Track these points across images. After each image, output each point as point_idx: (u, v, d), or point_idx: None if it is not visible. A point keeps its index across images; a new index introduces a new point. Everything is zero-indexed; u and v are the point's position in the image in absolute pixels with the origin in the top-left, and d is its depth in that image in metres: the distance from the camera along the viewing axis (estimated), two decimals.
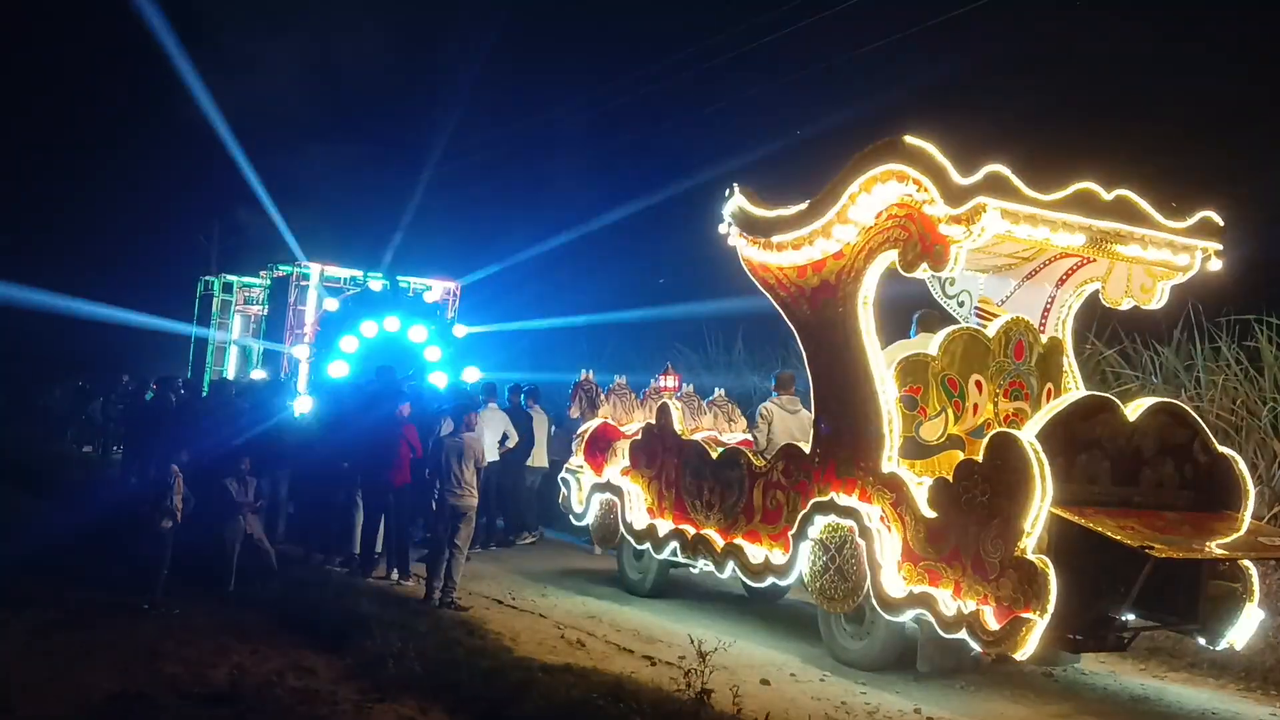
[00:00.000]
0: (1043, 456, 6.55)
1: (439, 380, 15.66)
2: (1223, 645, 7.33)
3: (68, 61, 33.44)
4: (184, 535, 9.98)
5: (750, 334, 17.32)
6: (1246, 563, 7.20)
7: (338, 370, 15.24)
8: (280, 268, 17.14)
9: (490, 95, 27.62)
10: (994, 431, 7.02)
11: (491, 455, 11.54)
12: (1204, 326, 11.13)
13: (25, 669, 7.18)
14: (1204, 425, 7.59)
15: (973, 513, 6.83)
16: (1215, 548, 6.72)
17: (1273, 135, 13.15)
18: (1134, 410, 7.21)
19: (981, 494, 6.78)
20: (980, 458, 6.87)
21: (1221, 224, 7.87)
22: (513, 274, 22.56)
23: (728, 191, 8.67)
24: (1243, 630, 7.26)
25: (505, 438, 12.25)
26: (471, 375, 16.72)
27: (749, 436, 10.78)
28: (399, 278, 17.16)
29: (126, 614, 8.79)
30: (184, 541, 10.24)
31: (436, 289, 17.63)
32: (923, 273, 7.39)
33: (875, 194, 7.41)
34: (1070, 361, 8.61)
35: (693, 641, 6.68)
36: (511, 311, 21.30)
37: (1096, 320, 11.17)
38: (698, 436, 10.38)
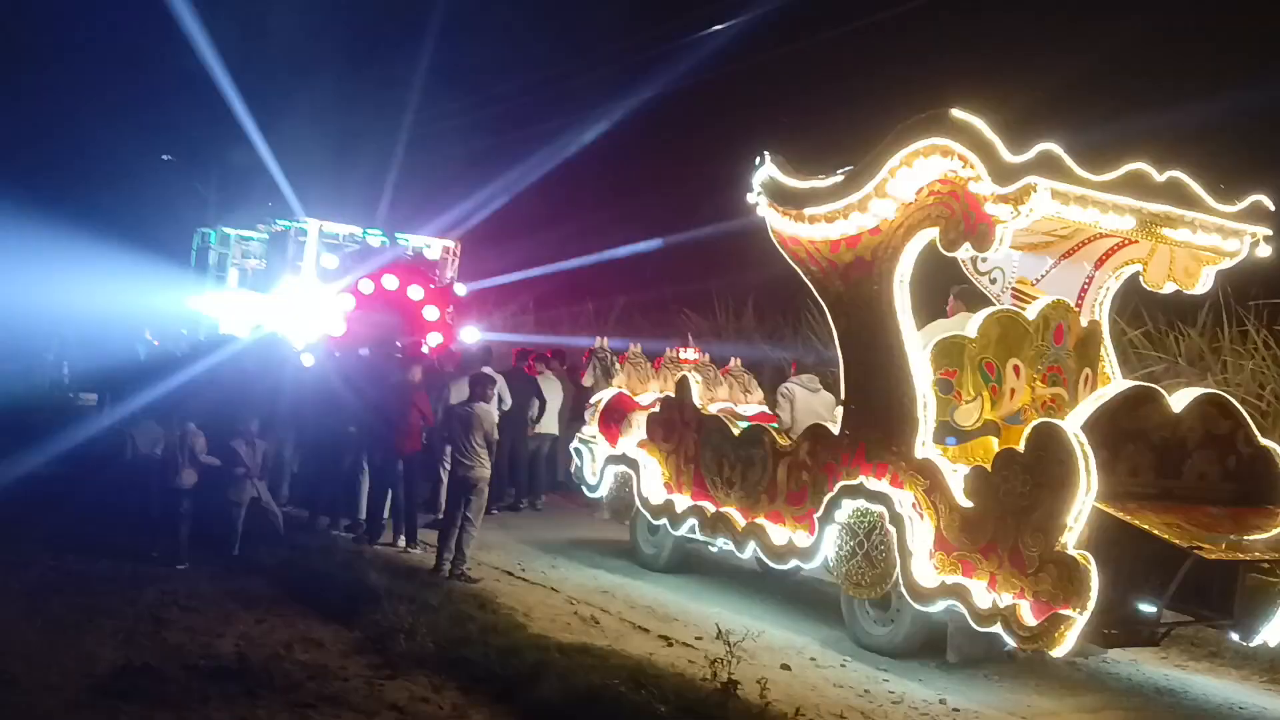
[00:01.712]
0: (1088, 449, 6.32)
1: (438, 340, 15.45)
2: (1257, 641, 7.16)
3: (66, 11, 32.76)
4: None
5: (761, 301, 17.06)
6: None
7: (335, 329, 15.00)
8: (278, 222, 16.82)
9: (494, 45, 27.12)
10: (1037, 421, 6.78)
11: None
12: (1232, 309, 10.90)
13: (26, 637, 6.98)
14: (1247, 417, 7.37)
15: (1012, 504, 6.61)
16: (1260, 546, 6.53)
17: None
18: (1179, 401, 6.99)
19: (1022, 485, 6.55)
20: (1022, 447, 6.64)
21: (1272, 208, 7.61)
22: (515, 230, 22.25)
23: (758, 159, 8.35)
24: (1278, 627, 7.08)
25: (500, 401, 12.09)
26: (471, 335, 16.50)
27: (765, 408, 10.59)
28: (398, 235, 16.88)
29: (129, 578, 8.59)
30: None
31: (435, 247, 17.35)
32: (964, 253, 7.13)
33: (917, 169, 7.11)
34: (1108, 347, 8.37)
35: (719, 632, 6.49)
36: (514, 265, 21.03)
37: (1120, 299, 10.94)
38: (714, 408, 10.17)
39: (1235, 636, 7.32)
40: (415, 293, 15.80)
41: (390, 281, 15.63)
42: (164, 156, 28.99)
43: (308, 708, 6.14)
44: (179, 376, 12.78)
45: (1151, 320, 11.56)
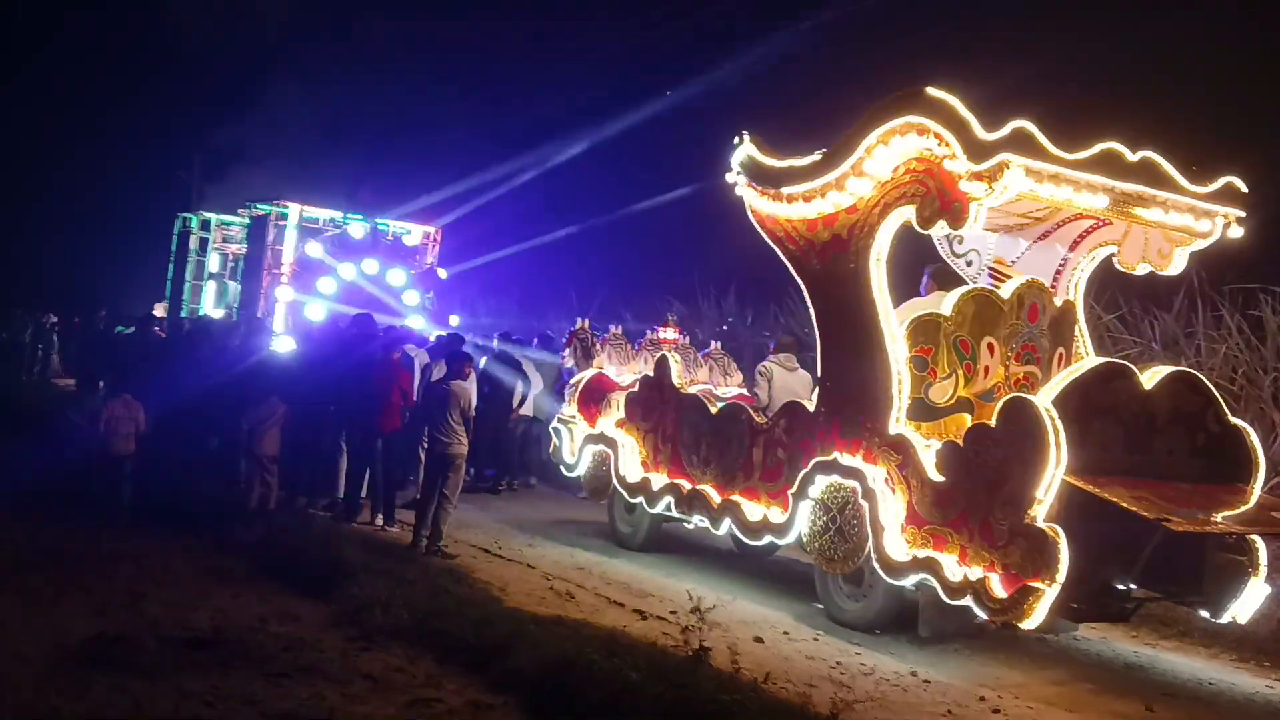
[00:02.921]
0: (1058, 423, 6.39)
1: (419, 325, 15.46)
2: (1226, 619, 7.25)
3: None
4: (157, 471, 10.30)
5: (743, 288, 17.09)
6: (1255, 536, 7.09)
7: (315, 313, 15.00)
8: (259, 207, 16.79)
9: (479, 27, 27.03)
10: (1009, 396, 6.85)
11: None
12: (1206, 293, 10.99)
13: None
14: (1217, 395, 7.45)
15: (983, 478, 6.67)
16: (1227, 521, 6.61)
17: None
18: (1150, 378, 7.06)
19: (993, 459, 6.62)
20: (994, 422, 6.70)
21: (1245, 190, 7.69)
22: (495, 214, 22.21)
23: (736, 139, 8.37)
24: (1247, 604, 7.16)
25: (527, 382, 12.28)
26: (453, 321, 16.52)
27: (744, 391, 10.64)
28: (379, 220, 16.87)
29: (104, 555, 8.57)
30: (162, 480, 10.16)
31: (416, 233, 17.35)
32: (939, 230, 7.18)
33: (893, 147, 7.15)
34: (1082, 327, 8.44)
35: (690, 597, 6.53)
36: (495, 250, 21.00)
37: (1096, 283, 11.02)
38: (693, 390, 10.21)
39: (1204, 613, 7.42)
40: (396, 277, 15.80)
41: (371, 267, 15.62)
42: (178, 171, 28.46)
43: (282, 677, 6.15)
44: (155, 361, 12.81)
45: (1126, 304, 11.63)
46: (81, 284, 25.71)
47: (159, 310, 18.61)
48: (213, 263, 18.51)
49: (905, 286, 8.38)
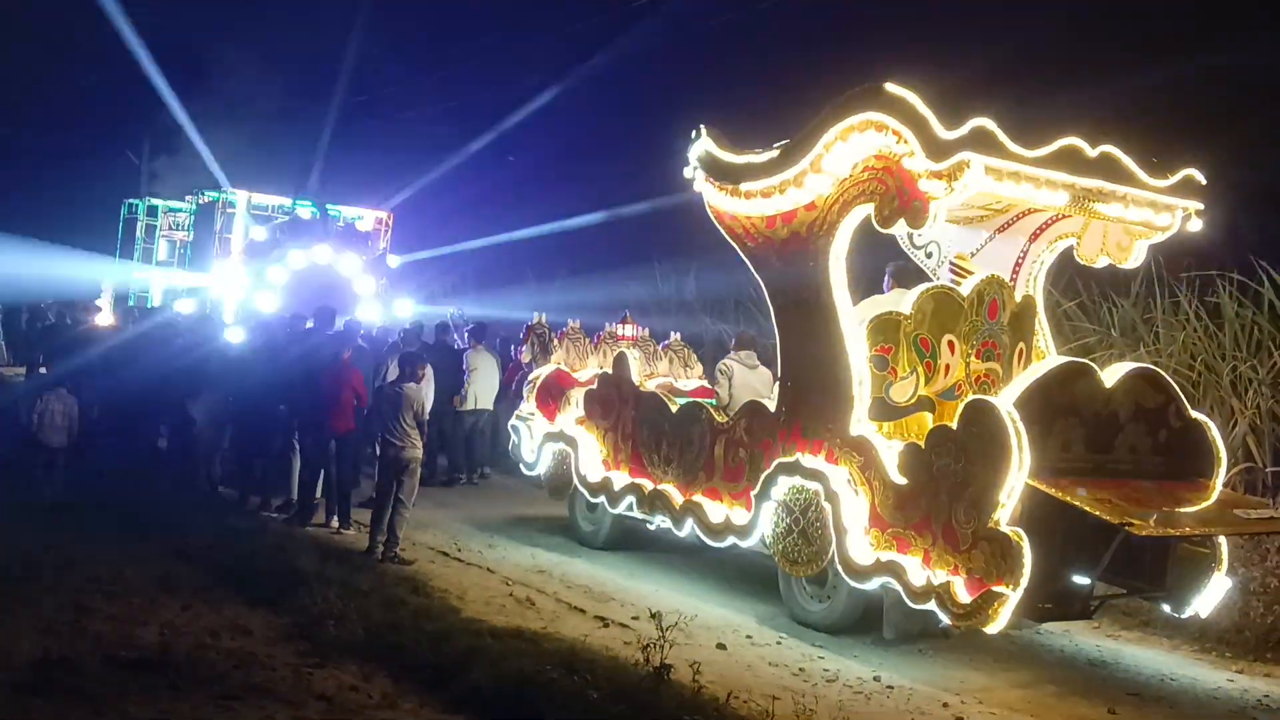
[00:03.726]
0: (1020, 426, 6.31)
1: (371, 314, 15.21)
2: (1188, 613, 7.26)
3: None
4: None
5: (704, 274, 16.95)
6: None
7: (265, 303, 14.68)
8: (206, 193, 16.41)
9: (433, 10, 26.55)
10: (970, 398, 6.77)
11: None
12: (1165, 280, 10.98)
13: None
14: (1179, 391, 7.42)
15: (945, 481, 6.59)
16: (1189, 521, 6.59)
17: (1250, 87, 12.97)
18: (1111, 375, 7.01)
19: (955, 462, 6.54)
20: (955, 424, 6.62)
21: (1204, 182, 7.64)
22: (450, 199, 21.88)
23: (694, 133, 8.20)
24: (1209, 598, 7.18)
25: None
26: (405, 309, 16.28)
27: (705, 383, 10.52)
28: (329, 206, 16.54)
29: (51, 565, 8.33)
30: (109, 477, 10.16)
31: (368, 218, 17.05)
32: (899, 229, 7.07)
33: (852, 144, 7.02)
34: (1042, 320, 8.39)
35: (652, 615, 6.40)
36: (450, 237, 20.69)
37: (1056, 269, 10.99)
38: (653, 383, 10.09)
39: (1167, 608, 7.42)
40: (348, 264, 15.49)
41: (322, 254, 15.30)
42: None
43: (232, 699, 5.96)
44: (98, 350, 12.49)
45: (1086, 291, 11.61)
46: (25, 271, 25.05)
47: (103, 300, 18.17)
48: (161, 250, 18.10)
49: (867, 284, 8.29)
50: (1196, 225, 7.72)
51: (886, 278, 8.28)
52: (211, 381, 10.92)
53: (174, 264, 17.79)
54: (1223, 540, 7.17)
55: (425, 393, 11.06)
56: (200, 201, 16.57)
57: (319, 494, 10.29)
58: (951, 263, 8.48)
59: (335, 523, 10.04)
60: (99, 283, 19.59)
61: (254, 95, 20.52)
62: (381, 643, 6.77)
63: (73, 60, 29.54)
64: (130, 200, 18.92)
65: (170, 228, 17.90)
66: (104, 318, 16.14)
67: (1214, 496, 7.08)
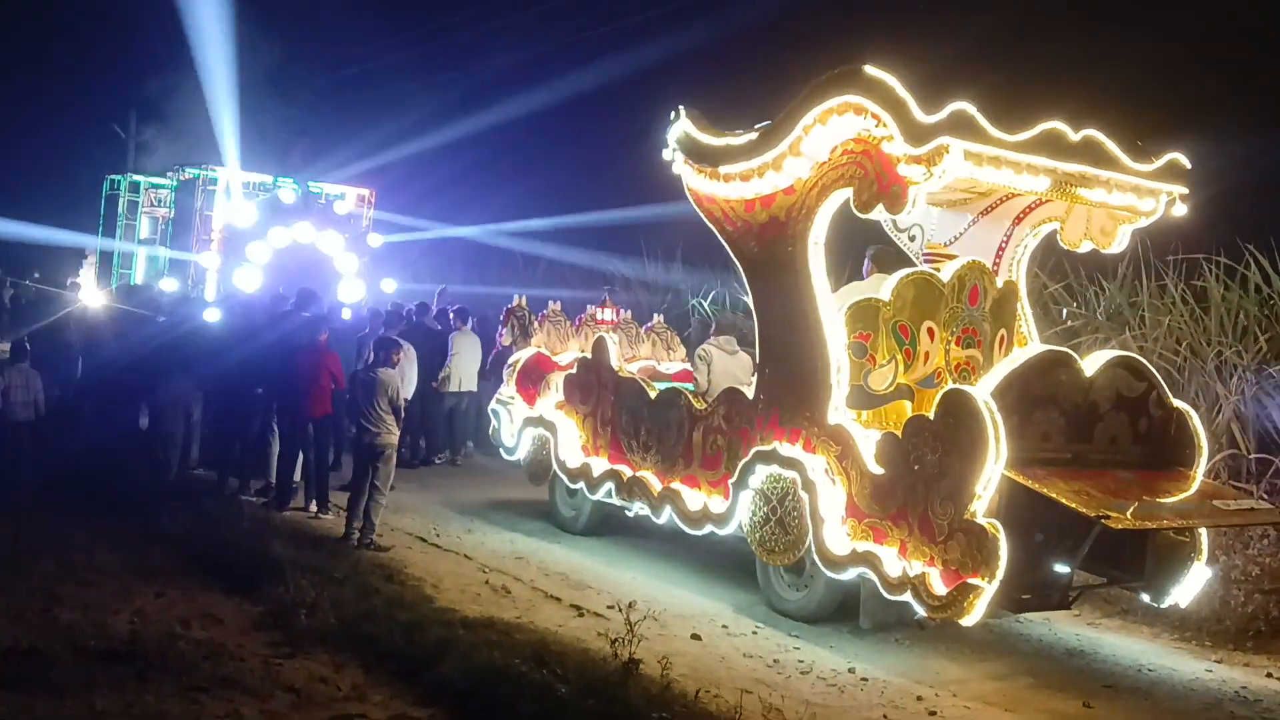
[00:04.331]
0: (998, 417, 6.22)
1: (353, 293, 15.09)
2: (1168, 603, 7.21)
3: None
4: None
5: (690, 250, 16.81)
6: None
7: (246, 281, 14.54)
8: (187, 170, 16.22)
9: None
10: (947, 388, 6.67)
11: None
12: (1151, 263, 10.88)
13: None
14: (1160, 379, 7.33)
15: (922, 471, 6.51)
16: (1168, 513, 6.51)
17: (1237, 70, 12.83)
18: (1091, 364, 6.92)
19: (932, 452, 6.45)
20: (932, 414, 6.53)
21: (1189, 166, 7.52)
22: (434, 177, 21.67)
23: (673, 114, 8.06)
24: (1189, 588, 7.13)
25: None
26: (388, 287, 16.15)
27: (688, 366, 10.42)
28: (310, 184, 16.39)
29: (26, 549, 8.24)
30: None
31: (350, 196, 16.88)
32: (878, 214, 6.95)
33: (831, 127, 6.89)
34: (1025, 307, 8.28)
35: (620, 609, 6.32)
36: (435, 214, 20.51)
37: (1041, 252, 10.89)
38: (635, 366, 9.99)
39: (1146, 597, 7.37)
40: (329, 243, 15.36)
41: (303, 232, 15.15)
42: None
43: (199, 691, 5.90)
44: (77, 328, 12.41)
45: (1072, 273, 11.51)
46: (9, 247, 24.88)
47: (85, 277, 18.06)
48: (144, 228, 17.92)
49: (850, 268, 8.17)
50: (1181, 210, 7.61)
51: (866, 261, 8.17)
52: (187, 362, 10.81)
53: (156, 241, 17.61)
54: (1202, 530, 7.10)
55: (408, 375, 11.00)
56: (181, 178, 16.37)
57: (297, 477, 10.20)
58: (925, 252, 8.36)
59: (314, 507, 9.96)
60: (81, 259, 19.48)
61: (239, 70, 20.31)
62: (354, 632, 6.72)
63: (61, 32, 29.25)
64: (112, 176, 18.71)
65: (152, 204, 17.69)
66: (86, 295, 16.02)
67: (1194, 487, 7.00)
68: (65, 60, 29.99)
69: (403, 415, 9.13)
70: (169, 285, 15.76)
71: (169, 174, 17.22)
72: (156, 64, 19.29)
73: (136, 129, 24.69)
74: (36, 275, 21.64)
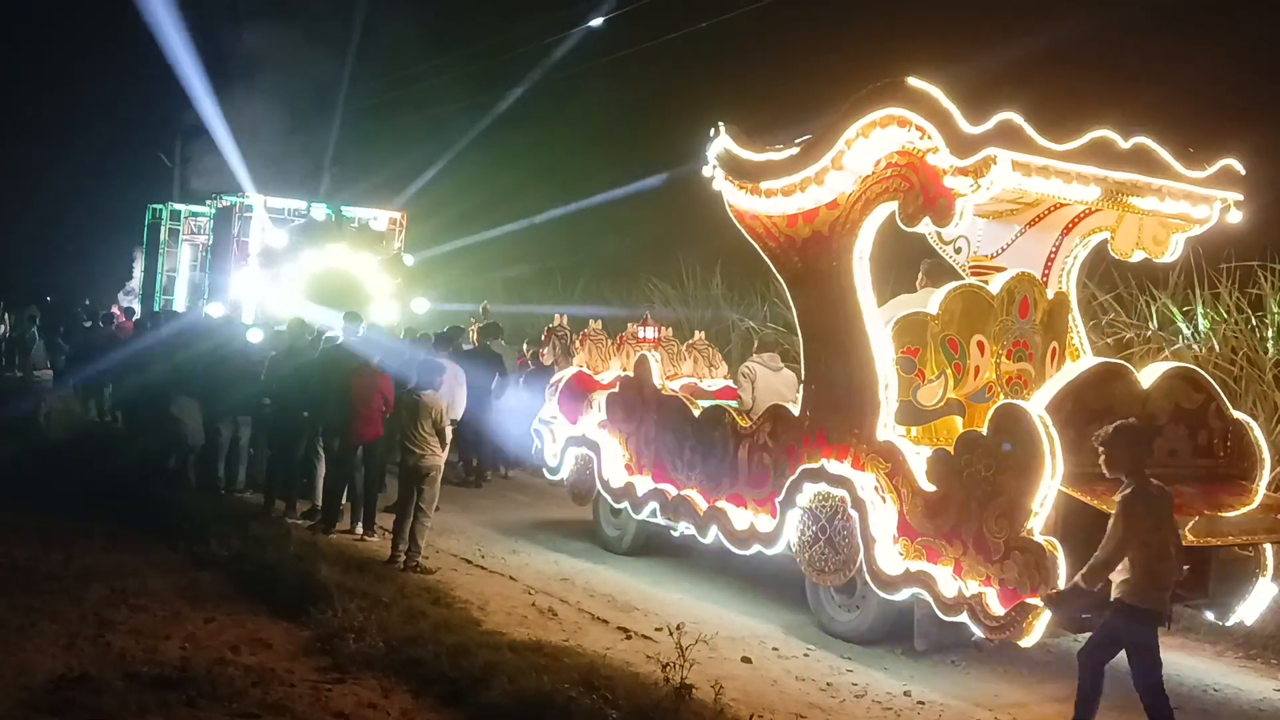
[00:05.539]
0: (1053, 431, 6.09)
1: (388, 313, 15.25)
2: (1232, 621, 7.00)
3: None
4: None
5: (730, 269, 16.73)
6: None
7: (283, 305, 14.75)
8: (224, 198, 16.54)
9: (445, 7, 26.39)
10: (1000, 403, 6.54)
11: None
12: (1204, 271, 10.65)
13: None
14: (1219, 390, 7.16)
15: (975, 488, 6.38)
16: (1231, 528, 6.33)
17: None
18: (1148, 376, 6.76)
19: (985, 469, 6.32)
20: (985, 430, 6.40)
21: (1243, 172, 7.35)
22: (473, 198, 21.79)
23: (712, 130, 8.00)
24: (1254, 604, 6.92)
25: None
26: (420, 306, 16.28)
27: (729, 383, 10.33)
28: (343, 208, 16.60)
29: (77, 574, 8.30)
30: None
31: (381, 218, 17.07)
32: (924, 227, 6.84)
33: (874, 140, 6.81)
34: (1076, 318, 8.13)
35: (668, 631, 6.23)
36: (468, 232, 20.67)
37: (1091, 260, 10.70)
38: (677, 383, 9.92)
39: (1210, 615, 7.16)
40: (363, 266, 15.56)
41: (337, 255, 15.38)
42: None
43: (250, 718, 5.90)
44: (121, 354, 12.59)
45: (1123, 283, 11.30)
46: (53, 275, 25.40)
47: (121, 305, 18.42)
48: (185, 254, 18.25)
49: (897, 281, 8.05)
50: (1236, 217, 7.44)
51: (920, 275, 8.05)
52: (229, 383, 10.91)
53: (196, 268, 17.92)
54: (1268, 545, 6.90)
55: (456, 397, 10.98)
56: (219, 206, 16.67)
57: (344, 500, 10.22)
58: (971, 267, 8.23)
59: (359, 529, 9.96)
60: (126, 287, 19.80)
61: (275, 100, 20.61)
62: (402, 656, 6.68)
63: (108, 67, 29.80)
64: (154, 205, 19.07)
65: (192, 231, 18.04)
66: (131, 321, 16.26)
67: (1257, 500, 6.82)
68: (109, 90, 30.54)
69: (448, 437, 9.09)
70: (215, 310, 15.97)
71: (208, 202, 17.53)
72: (198, 94, 19.61)
73: (182, 159, 25.13)
74: (88, 302, 21.96)
